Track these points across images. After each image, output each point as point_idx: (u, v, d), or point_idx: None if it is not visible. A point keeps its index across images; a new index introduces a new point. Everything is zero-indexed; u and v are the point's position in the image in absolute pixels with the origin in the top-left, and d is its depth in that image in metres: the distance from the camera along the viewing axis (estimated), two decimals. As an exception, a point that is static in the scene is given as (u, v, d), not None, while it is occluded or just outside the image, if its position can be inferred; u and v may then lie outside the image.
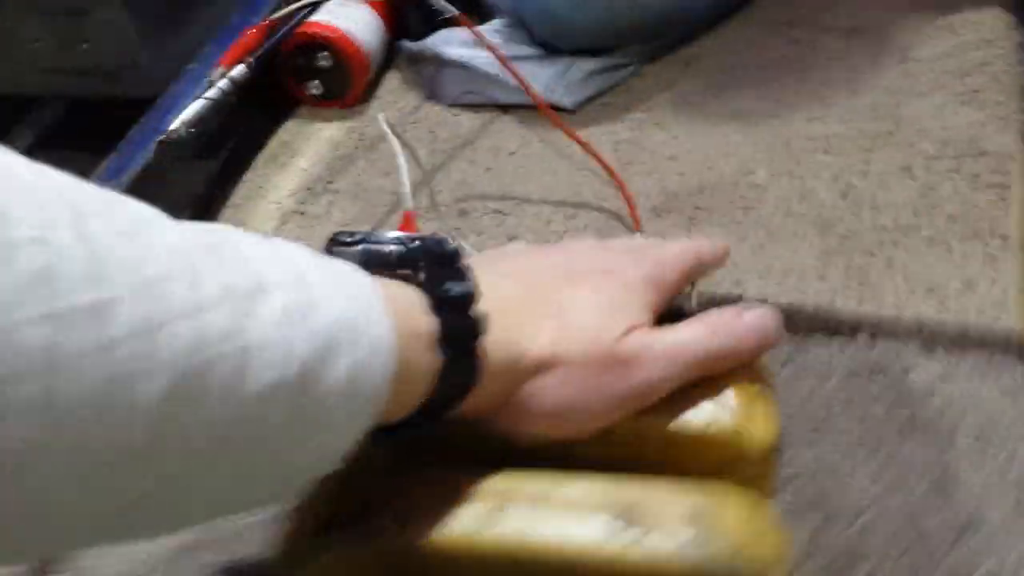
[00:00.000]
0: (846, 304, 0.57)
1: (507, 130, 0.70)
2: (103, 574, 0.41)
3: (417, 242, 0.29)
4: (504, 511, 0.28)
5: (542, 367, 0.31)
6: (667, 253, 0.37)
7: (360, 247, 0.29)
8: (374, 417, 0.25)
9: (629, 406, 0.32)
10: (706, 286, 0.56)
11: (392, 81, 0.75)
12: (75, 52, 0.63)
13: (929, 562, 0.44)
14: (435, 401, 0.28)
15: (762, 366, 0.38)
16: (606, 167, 0.64)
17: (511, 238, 0.60)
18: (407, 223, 0.57)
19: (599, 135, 0.68)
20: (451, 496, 0.29)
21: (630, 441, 0.32)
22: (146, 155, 0.54)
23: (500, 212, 0.63)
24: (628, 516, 0.27)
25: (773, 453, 0.32)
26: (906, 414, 0.50)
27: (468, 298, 0.29)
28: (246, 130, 0.69)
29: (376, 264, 0.28)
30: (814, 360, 0.53)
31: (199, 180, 0.65)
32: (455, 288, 0.28)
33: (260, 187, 0.66)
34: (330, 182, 0.66)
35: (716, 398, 0.32)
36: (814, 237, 0.62)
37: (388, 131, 0.61)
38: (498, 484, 0.30)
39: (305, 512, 0.30)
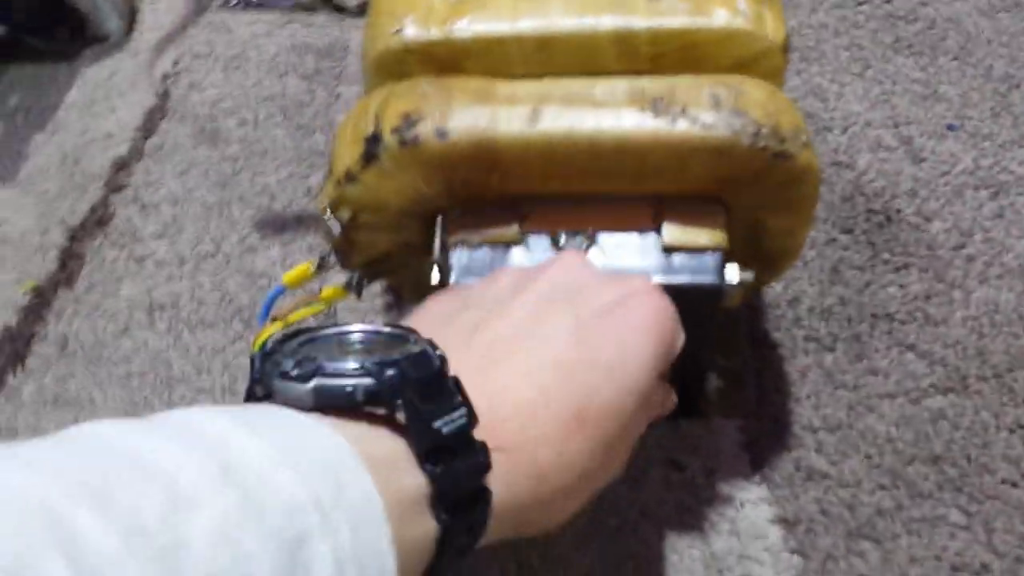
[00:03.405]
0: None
1: None
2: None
3: (391, 370, 0.20)
4: (541, 112, 0.29)
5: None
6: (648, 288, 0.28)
7: (312, 384, 0.20)
8: None
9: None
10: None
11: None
12: None
13: (912, 164, 0.45)
14: (434, 568, 0.20)
15: None
16: None
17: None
18: None
19: None
20: (488, 102, 0.29)
21: (650, 49, 0.31)
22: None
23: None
24: (657, 107, 0.28)
25: (783, 51, 0.31)
26: (890, 38, 0.51)
27: (464, 433, 0.21)
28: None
29: (337, 406, 0.20)
30: (800, -5, 0.53)
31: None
32: (447, 424, 0.21)
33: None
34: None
35: (728, 4, 0.31)
36: None
37: None
38: (532, 89, 0.29)
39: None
